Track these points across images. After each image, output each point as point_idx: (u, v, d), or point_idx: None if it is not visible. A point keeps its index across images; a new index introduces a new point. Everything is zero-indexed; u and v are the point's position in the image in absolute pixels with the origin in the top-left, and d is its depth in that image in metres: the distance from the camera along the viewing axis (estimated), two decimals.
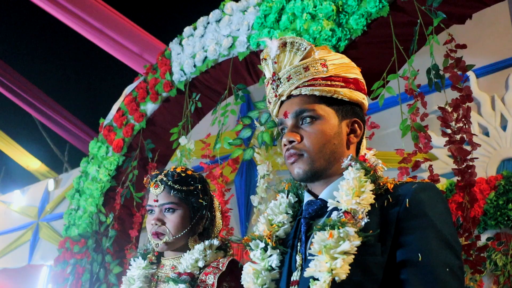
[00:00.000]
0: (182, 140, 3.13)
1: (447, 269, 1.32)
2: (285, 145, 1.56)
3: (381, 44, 2.63)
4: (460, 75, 2.19)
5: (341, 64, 1.60)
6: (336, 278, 1.35)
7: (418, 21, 2.43)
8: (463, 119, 2.16)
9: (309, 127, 1.54)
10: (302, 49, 1.60)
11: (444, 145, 2.18)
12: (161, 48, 5.38)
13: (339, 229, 1.40)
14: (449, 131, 2.17)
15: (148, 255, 2.11)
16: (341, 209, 1.48)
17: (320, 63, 1.57)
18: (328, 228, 1.41)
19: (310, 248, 1.47)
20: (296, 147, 1.54)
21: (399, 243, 1.38)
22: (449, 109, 2.23)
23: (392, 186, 1.49)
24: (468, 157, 2.06)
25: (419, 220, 1.39)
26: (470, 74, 4.42)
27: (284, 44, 1.61)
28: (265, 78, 1.72)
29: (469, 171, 2.02)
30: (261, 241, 1.57)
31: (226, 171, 2.78)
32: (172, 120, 3.50)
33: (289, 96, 1.58)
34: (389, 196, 1.46)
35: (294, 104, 1.57)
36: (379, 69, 2.60)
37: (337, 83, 1.56)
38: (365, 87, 1.64)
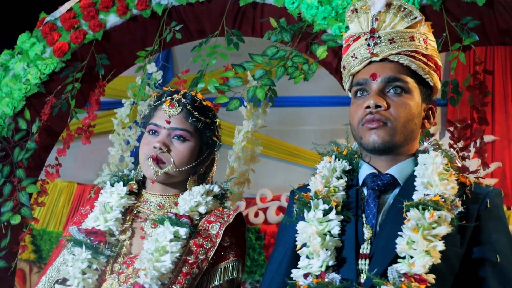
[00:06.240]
0: (151, 68, 2.76)
1: None
2: (368, 107, 1.45)
3: None
4: (482, 98, 2.23)
5: (435, 48, 1.57)
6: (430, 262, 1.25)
7: (444, 34, 2.42)
8: (472, 138, 2.19)
9: (397, 98, 1.45)
10: (412, 17, 1.52)
11: None
12: None
13: (435, 211, 1.32)
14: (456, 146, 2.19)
15: (130, 183, 1.77)
16: (420, 191, 1.40)
17: (423, 39, 1.51)
18: (429, 208, 1.32)
19: (385, 223, 1.37)
20: (382, 113, 1.44)
21: (478, 240, 1.36)
22: (458, 125, 2.26)
23: (468, 182, 1.47)
24: (474, 176, 2.09)
25: (497, 222, 1.41)
26: None
27: (389, 4, 1.50)
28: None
29: None
30: (325, 203, 1.40)
31: None
32: (131, 43, 3.07)
33: (382, 59, 1.48)
34: (466, 191, 1.43)
35: (388, 69, 1.47)
36: None
37: (431, 64, 1.51)
38: None
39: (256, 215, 4.91)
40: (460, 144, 2.23)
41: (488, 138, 4.23)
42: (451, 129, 2.25)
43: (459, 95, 2.31)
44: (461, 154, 2.22)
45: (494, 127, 4.29)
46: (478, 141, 2.19)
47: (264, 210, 4.93)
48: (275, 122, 5.33)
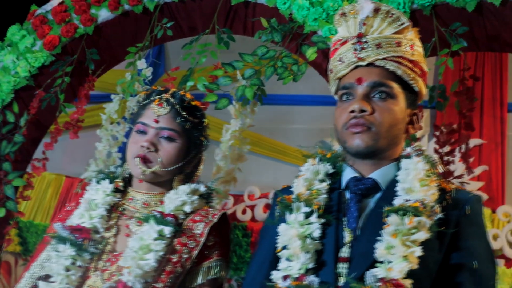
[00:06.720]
0: (141, 64, 2.76)
1: (491, 283, 1.39)
2: (353, 111, 1.46)
3: None
4: (468, 103, 2.26)
5: (421, 54, 1.57)
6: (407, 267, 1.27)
7: (433, 39, 2.43)
8: (457, 144, 2.22)
9: (382, 103, 1.47)
10: (399, 23, 1.53)
11: None
12: None
13: (415, 217, 1.34)
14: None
15: (116, 180, 1.78)
16: (401, 196, 1.42)
17: (409, 45, 1.52)
18: (408, 213, 1.34)
19: (366, 227, 1.39)
20: (367, 118, 1.45)
21: (457, 246, 1.39)
22: (444, 130, 2.28)
23: (449, 188, 1.48)
24: (459, 180, 2.12)
25: (476, 228, 1.43)
26: None
27: (377, 10, 1.51)
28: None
29: None
30: (306, 206, 1.41)
31: None
32: (122, 39, 3.07)
33: (369, 64, 1.49)
34: (447, 197, 1.44)
35: (374, 74, 1.48)
36: None
37: (417, 70, 1.52)
38: None
39: (244, 212, 4.91)
40: (446, 148, 2.25)
41: (476, 141, 4.27)
42: (437, 133, 2.27)
43: (446, 100, 2.33)
44: (446, 158, 2.24)
45: (482, 130, 4.33)
46: (463, 146, 2.22)
47: (252, 208, 4.93)
48: (264, 119, 5.34)
